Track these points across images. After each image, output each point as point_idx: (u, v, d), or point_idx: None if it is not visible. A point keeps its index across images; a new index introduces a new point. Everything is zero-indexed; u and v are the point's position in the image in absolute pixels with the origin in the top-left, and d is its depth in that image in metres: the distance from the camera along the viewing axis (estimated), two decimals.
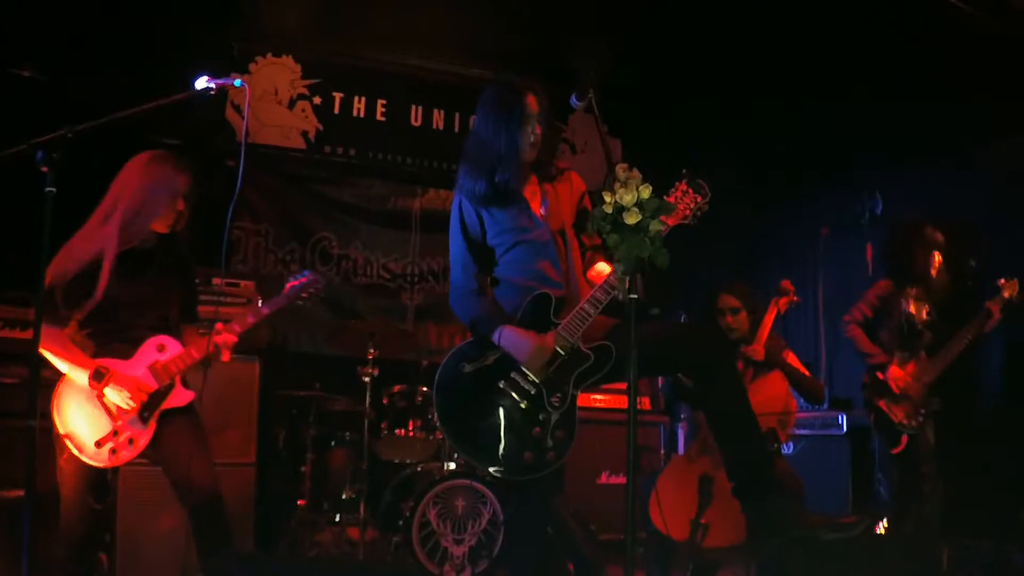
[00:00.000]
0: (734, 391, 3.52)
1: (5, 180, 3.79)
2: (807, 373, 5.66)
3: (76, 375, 3.73)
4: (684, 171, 3.65)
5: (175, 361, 3.86)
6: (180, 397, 3.88)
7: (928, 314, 5.60)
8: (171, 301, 4.02)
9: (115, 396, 3.73)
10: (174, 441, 3.82)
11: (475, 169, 3.68)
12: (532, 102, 3.67)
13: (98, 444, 3.70)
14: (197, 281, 4.41)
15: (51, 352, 3.70)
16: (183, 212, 3.95)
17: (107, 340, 3.84)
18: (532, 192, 3.77)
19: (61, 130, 3.07)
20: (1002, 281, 5.49)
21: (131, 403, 3.74)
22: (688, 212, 3.59)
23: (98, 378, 3.71)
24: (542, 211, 3.74)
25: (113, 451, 3.72)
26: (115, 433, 3.73)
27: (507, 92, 3.70)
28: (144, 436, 3.78)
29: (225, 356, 3.96)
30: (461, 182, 3.74)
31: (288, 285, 4.25)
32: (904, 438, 5.40)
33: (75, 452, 3.68)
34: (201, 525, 3.83)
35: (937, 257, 5.63)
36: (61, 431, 3.70)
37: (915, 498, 5.41)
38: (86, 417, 3.73)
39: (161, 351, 3.87)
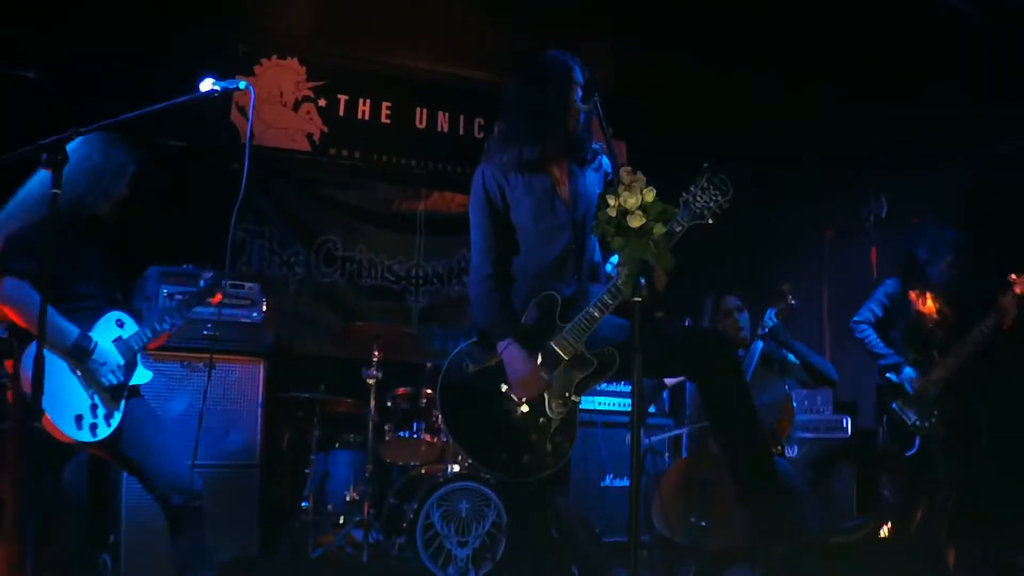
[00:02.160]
0: (738, 395, 3.51)
1: (10, 181, 3.79)
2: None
3: (57, 339, 3.59)
4: (706, 165, 3.51)
5: (135, 337, 3.84)
6: (141, 375, 3.87)
7: (939, 313, 5.57)
8: (117, 279, 4.00)
9: (99, 369, 3.65)
10: (142, 431, 3.80)
11: (520, 135, 3.65)
12: (578, 68, 3.66)
13: (77, 419, 3.58)
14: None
15: (26, 310, 3.55)
16: (127, 197, 3.97)
17: (65, 308, 3.68)
18: (561, 175, 3.73)
19: (66, 132, 3.07)
20: (1013, 276, 5.39)
21: (112, 379, 3.69)
22: (707, 211, 3.44)
23: (83, 346, 3.62)
24: (568, 196, 3.69)
25: (93, 426, 3.62)
26: (93, 408, 3.64)
27: (557, 57, 3.70)
28: (117, 413, 3.71)
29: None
30: (498, 151, 3.71)
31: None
32: (917, 441, 5.39)
33: (49, 430, 3.50)
34: (181, 526, 3.76)
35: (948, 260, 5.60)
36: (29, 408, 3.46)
37: (923, 501, 5.40)
38: (62, 389, 3.58)
39: (120, 326, 3.85)
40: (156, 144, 4.00)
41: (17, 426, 3.24)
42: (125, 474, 5.04)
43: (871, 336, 5.69)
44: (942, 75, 6.34)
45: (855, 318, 5.79)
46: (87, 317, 3.76)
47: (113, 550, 5.03)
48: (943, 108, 6.43)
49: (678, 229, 3.39)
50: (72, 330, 3.64)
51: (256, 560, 5.39)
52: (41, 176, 3.72)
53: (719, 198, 3.46)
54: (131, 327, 3.87)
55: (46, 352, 3.43)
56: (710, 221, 3.46)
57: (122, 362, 3.75)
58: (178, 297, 4.14)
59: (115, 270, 4.00)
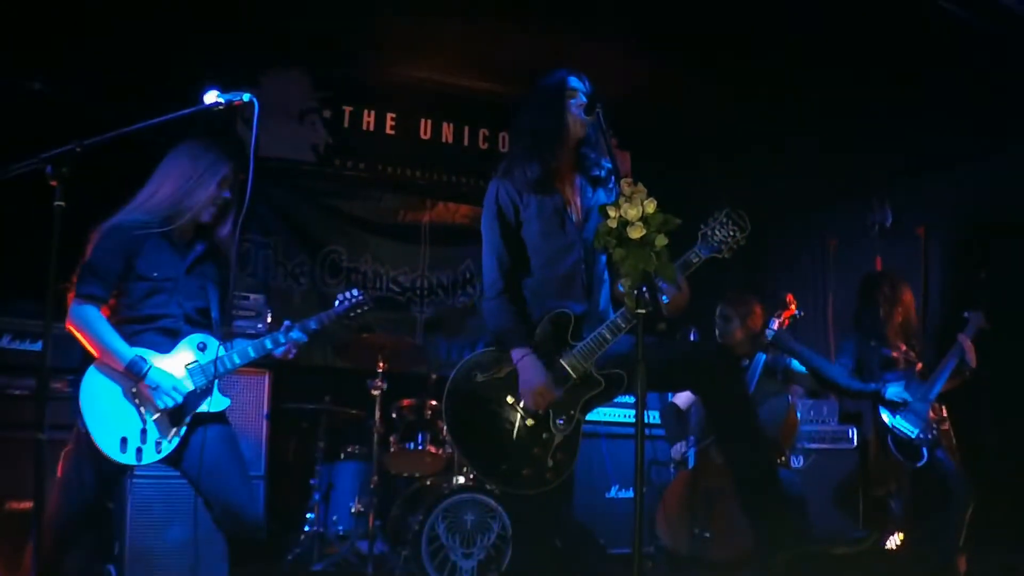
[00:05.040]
0: (741, 408, 3.51)
1: (15, 193, 3.79)
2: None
3: (112, 360, 3.52)
4: (725, 199, 3.61)
5: (215, 363, 3.71)
6: (217, 402, 3.74)
7: (905, 343, 5.71)
8: (208, 297, 3.83)
9: (151, 392, 3.54)
10: (210, 456, 3.62)
11: (527, 154, 3.69)
12: (573, 79, 3.70)
13: (123, 442, 3.49)
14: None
15: (87, 333, 3.51)
16: (228, 202, 3.84)
17: (140, 328, 3.63)
18: (572, 194, 3.76)
19: (70, 144, 3.07)
20: (967, 315, 5.58)
21: (167, 402, 3.56)
22: (724, 245, 3.54)
23: (135, 369, 3.51)
24: (579, 215, 3.73)
25: (139, 450, 3.51)
26: (143, 432, 3.54)
27: (551, 74, 3.76)
28: (174, 439, 3.60)
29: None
30: (509, 170, 3.74)
31: (338, 300, 4.22)
32: (924, 452, 5.41)
33: (96, 446, 3.44)
34: (238, 555, 3.67)
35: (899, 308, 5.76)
36: (81, 425, 3.46)
37: (936, 512, 5.42)
38: (113, 410, 3.52)
39: (202, 350, 3.73)
40: (161, 157, 3.95)
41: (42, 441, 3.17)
42: (130, 485, 5.06)
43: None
44: (946, 81, 6.34)
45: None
46: (165, 339, 3.68)
47: (117, 560, 5.02)
48: (947, 115, 6.44)
49: (695, 260, 3.51)
50: (126, 353, 3.53)
51: (260, 571, 5.37)
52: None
53: (737, 233, 3.57)
54: (213, 352, 3.73)
55: (101, 374, 3.54)
56: (727, 256, 3.57)
57: (183, 386, 3.61)
58: (286, 322, 4.07)
59: (209, 282, 3.86)
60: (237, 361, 3.80)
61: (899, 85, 6.60)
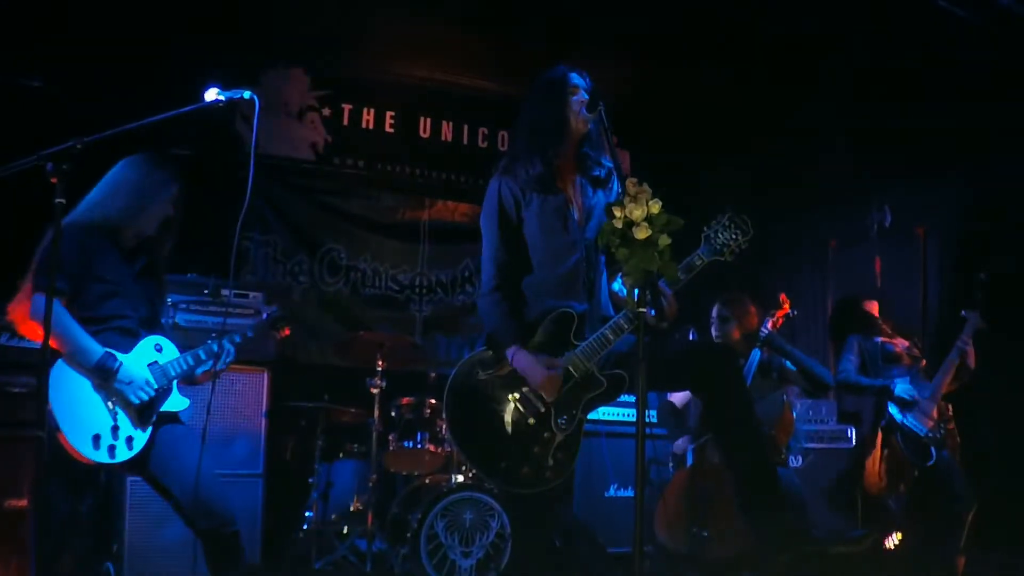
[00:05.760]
0: (740, 407, 3.50)
1: (15, 190, 3.79)
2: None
3: (80, 355, 3.52)
4: (728, 205, 3.61)
5: (173, 364, 3.77)
6: (176, 402, 3.78)
7: (907, 339, 5.75)
8: (154, 300, 3.91)
9: (125, 388, 3.56)
10: (179, 454, 3.63)
11: (528, 150, 3.68)
12: (575, 75, 3.69)
13: (95, 439, 3.47)
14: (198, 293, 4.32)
15: (54, 326, 3.32)
16: (172, 219, 3.95)
17: (98, 328, 3.63)
18: (573, 193, 3.74)
19: (70, 142, 3.06)
20: (965, 315, 5.61)
21: (142, 396, 3.59)
22: (726, 248, 3.55)
23: (108, 364, 3.53)
24: (580, 215, 3.71)
25: (112, 448, 3.50)
26: (115, 429, 3.54)
27: (552, 70, 3.75)
28: (141, 438, 3.60)
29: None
30: (510, 167, 3.72)
31: (264, 313, 4.34)
32: (933, 451, 5.42)
33: (65, 447, 3.40)
34: (215, 552, 3.65)
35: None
36: (51, 421, 3.38)
37: (937, 512, 5.44)
38: (82, 407, 3.50)
39: (159, 351, 3.78)
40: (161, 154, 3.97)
41: (41, 439, 3.15)
42: (128, 483, 5.05)
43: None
44: (946, 81, 6.34)
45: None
46: (123, 339, 3.69)
47: (116, 558, 5.02)
48: (946, 115, 6.44)
49: (698, 263, 3.51)
50: (97, 349, 3.54)
51: (259, 570, 5.38)
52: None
53: (739, 237, 3.58)
54: (170, 353, 3.80)
55: (70, 370, 3.51)
56: (728, 259, 3.58)
57: (153, 383, 3.66)
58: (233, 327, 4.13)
59: (153, 292, 3.93)
60: (191, 363, 3.84)
61: (899, 85, 6.60)
